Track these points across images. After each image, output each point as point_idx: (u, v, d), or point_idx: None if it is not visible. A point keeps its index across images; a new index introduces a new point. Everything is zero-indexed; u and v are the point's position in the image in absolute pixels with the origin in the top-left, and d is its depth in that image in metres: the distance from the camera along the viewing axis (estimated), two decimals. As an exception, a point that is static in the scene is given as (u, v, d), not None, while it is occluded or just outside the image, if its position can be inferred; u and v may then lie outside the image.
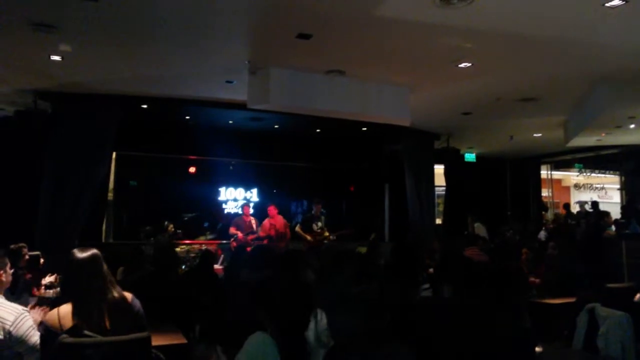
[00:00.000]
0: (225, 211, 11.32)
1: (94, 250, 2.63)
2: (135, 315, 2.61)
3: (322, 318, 1.50)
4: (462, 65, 6.20)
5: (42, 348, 2.44)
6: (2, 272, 2.67)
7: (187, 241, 9.27)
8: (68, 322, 2.42)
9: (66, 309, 2.48)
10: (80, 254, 2.57)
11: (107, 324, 2.47)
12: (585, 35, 5.27)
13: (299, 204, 9.88)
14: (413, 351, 1.41)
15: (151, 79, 7.09)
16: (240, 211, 9.53)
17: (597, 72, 6.57)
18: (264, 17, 4.97)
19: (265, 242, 8.18)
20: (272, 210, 8.71)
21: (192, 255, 7.84)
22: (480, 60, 6.07)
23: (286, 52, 5.91)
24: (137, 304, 2.66)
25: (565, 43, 5.49)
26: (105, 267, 2.62)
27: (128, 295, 2.65)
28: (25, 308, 2.65)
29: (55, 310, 2.50)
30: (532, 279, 5.47)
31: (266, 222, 8.66)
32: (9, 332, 2.47)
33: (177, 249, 8.48)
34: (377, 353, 1.34)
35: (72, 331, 2.35)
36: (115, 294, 2.57)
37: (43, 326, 2.45)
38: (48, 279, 4.89)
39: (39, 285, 4.80)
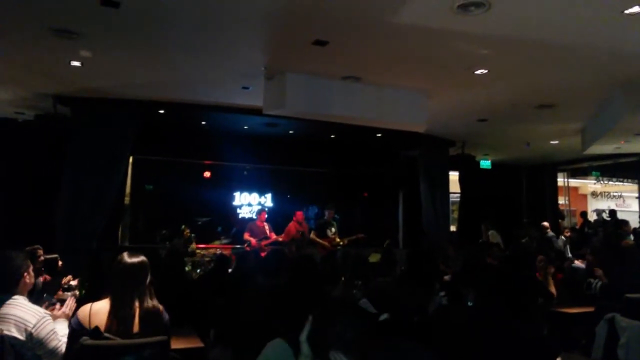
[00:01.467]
0: (240, 216, 11.38)
1: (143, 258, 2.69)
2: (164, 326, 2.66)
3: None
4: (479, 71, 6.18)
5: (70, 341, 2.49)
6: (26, 273, 2.71)
7: (201, 245, 9.33)
8: (97, 320, 2.48)
9: (99, 306, 2.55)
10: (130, 259, 2.64)
11: (137, 329, 2.52)
12: (604, 42, 5.22)
13: (312, 210, 9.93)
14: (431, 352, 1.41)
15: (168, 84, 7.17)
16: (255, 216, 9.60)
17: (616, 78, 6.49)
18: (281, 24, 5.00)
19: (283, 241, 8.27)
20: (300, 215, 8.83)
21: (207, 259, 7.88)
22: (496, 66, 6.04)
23: (302, 58, 5.94)
24: (167, 317, 2.71)
25: (583, 50, 5.44)
26: (149, 276, 2.68)
27: (158, 305, 2.70)
28: (47, 311, 2.69)
29: (87, 306, 2.56)
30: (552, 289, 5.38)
31: (292, 226, 8.72)
32: (30, 334, 2.51)
33: (194, 251, 8.54)
34: (397, 350, 1.35)
35: (92, 333, 2.39)
36: (151, 304, 2.63)
37: (74, 320, 2.52)
38: (66, 281, 4.96)
39: (56, 288, 4.86)
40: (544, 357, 2.21)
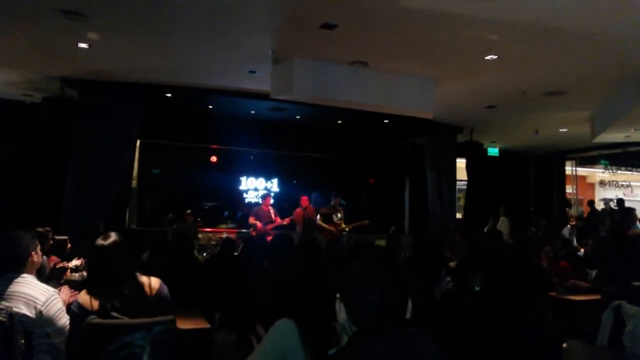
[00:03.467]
0: (246, 200, 11.42)
1: (115, 238, 2.64)
2: (160, 301, 2.65)
3: (340, 310, 1.52)
4: (488, 57, 6.11)
5: (73, 325, 2.51)
6: (33, 252, 2.74)
7: (208, 229, 9.39)
8: (97, 302, 2.48)
9: None
10: (102, 241, 2.61)
11: (127, 307, 2.51)
12: (615, 29, 5.13)
13: (316, 195, 9.99)
14: (433, 337, 1.41)
15: (176, 68, 7.16)
16: (260, 201, 9.70)
17: (627, 66, 6.40)
18: (288, 7, 4.96)
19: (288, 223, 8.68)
20: (305, 200, 9.05)
21: (213, 243, 7.93)
22: (506, 52, 5.97)
23: (310, 42, 5.90)
24: (165, 290, 2.70)
25: (595, 37, 5.36)
26: (126, 254, 2.65)
27: (156, 281, 2.69)
28: (55, 290, 2.72)
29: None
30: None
31: (299, 210, 8.99)
32: (40, 312, 2.54)
33: (199, 236, 8.61)
34: (398, 336, 1.35)
35: (100, 312, 2.41)
36: (136, 281, 2.61)
37: (76, 304, 2.52)
38: (74, 263, 5.00)
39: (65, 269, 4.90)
40: (550, 342, 2.21)
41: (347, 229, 8.87)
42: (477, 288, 2.35)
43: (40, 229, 4.93)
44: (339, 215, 8.96)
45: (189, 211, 9.23)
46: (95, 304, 2.47)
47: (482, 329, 2.13)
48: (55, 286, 2.98)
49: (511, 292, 2.25)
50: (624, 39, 5.39)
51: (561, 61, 6.29)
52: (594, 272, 5.33)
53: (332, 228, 8.72)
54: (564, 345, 2.69)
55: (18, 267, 2.64)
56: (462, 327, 2.19)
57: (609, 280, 4.89)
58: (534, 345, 2.11)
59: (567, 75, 6.85)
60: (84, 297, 2.52)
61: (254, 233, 8.41)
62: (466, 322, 2.19)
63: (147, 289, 2.63)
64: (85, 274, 4.77)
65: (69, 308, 2.62)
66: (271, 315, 2.26)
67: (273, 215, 8.80)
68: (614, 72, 6.68)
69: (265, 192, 10.35)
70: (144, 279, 2.66)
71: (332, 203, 9.10)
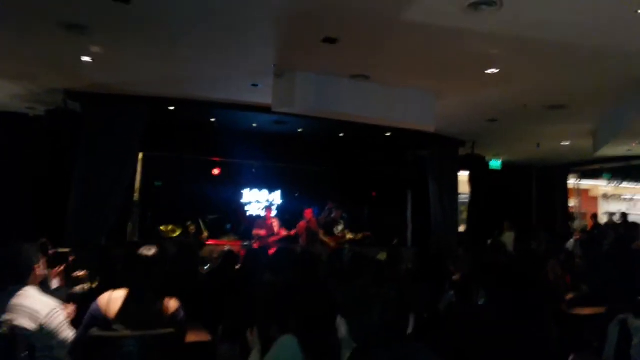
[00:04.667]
0: (248, 213, 11.41)
1: (155, 251, 2.79)
2: (174, 322, 2.70)
3: (341, 325, 1.51)
4: (490, 71, 6.13)
5: (86, 325, 2.54)
6: (37, 265, 2.73)
7: (210, 242, 9.36)
8: (115, 307, 2.56)
9: (118, 295, 2.62)
10: (146, 252, 2.75)
11: (150, 321, 2.60)
12: (617, 42, 5.15)
13: (315, 209, 10.02)
14: (433, 352, 1.40)
15: (178, 81, 7.19)
16: (263, 214, 9.75)
17: (629, 80, 6.41)
18: (290, 21, 4.99)
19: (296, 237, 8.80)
20: (309, 213, 9.12)
21: (215, 256, 7.90)
22: (507, 66, 5.99)
23: (312, 55, 5.93)
24: (181, 314, 2.77)
25: (596, 50, 5.38)
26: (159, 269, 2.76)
27: (174, 303, 2.76)
28: (57, 303, 2.70)
29: (108, 294, 2.63)
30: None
31: (303, 223, 9.05)
32: (41, 325, 2.53)
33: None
34: (400, 352, 1.33)
35: (102, 324, 2.41)
36: (167, 300, 2.72)
37: (94, 306, 2.59)
38: (77, 274, 4.98)
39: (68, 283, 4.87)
40: (554, 356, 2.19)
41: (351, 237, 8.91)
42: (480, 302, 2.34)
43: (44, 240, 4.93)
44: (340, 227, 8.97)
45: (189, 223, 9.24)
46: (113, 307, 2.53)
47: (485, 342, 2.11)
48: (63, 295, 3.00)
49: (513, 305, 2.23)
50: (626, 52, 5.41)
51: (563, 75, 6.31)
52: (585, 287, 5.30)
53: (331, 241, 8.74)
54: (570, 358, 2.67)
55: (21, 279, 2.64)
56: (464, 339, 2.17)
57: (608, 293, 4.87)
58: (535, 358, 2.09)
59: (569, 88, 6.87)
60: (103, 300, 2.59)
61: (256, 245, 8.41)
62: (469, 335, 2.17)
63: (165, 308, 2.67)
64: (85, 287, 4.74)
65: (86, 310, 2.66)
66: (271, 328, 2.24)
67: (276, 228, 8.80)
68: (616, 86, 6.69)
69: (267, 204, 10.37)
70: (165, 298, 2.72)
71: (332, 215, 9.11)
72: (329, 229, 8.94)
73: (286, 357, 2.00)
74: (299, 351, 2.01)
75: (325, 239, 8.76)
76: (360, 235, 9.10)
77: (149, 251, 2.74)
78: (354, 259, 4.34)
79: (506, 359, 2.06)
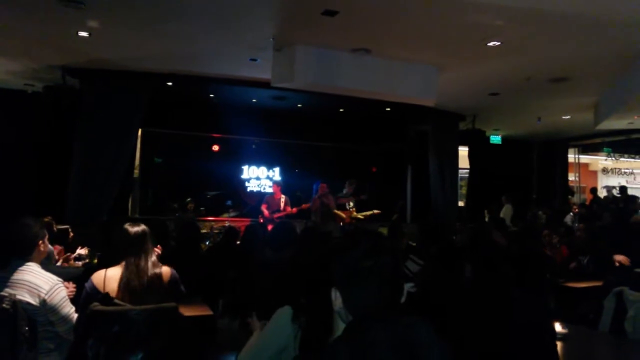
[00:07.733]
0: (248, 189, 11.42)
1: (143, 227, 2.85)
2: (172, 286, 2.80)
3: (336, 297, 1.50)
4: (492, 43, 6.06)
5: (83, 305, 2.58)
6: (41, 242, 2.75)
7: (211, 218, 9.39)
8: (111, 284, 2.61)
9: (113, 272, 2.67)
10: (132, 229, 2.79)
11: (145, 293, 2.66)
12: (620, 13, 5.08)
13: (316, 184, 9.82)
14: (431, 325, 1.40)
15: (177, 56, 7.12)
16: (271, 190, 9.59)
17: (632, 51, 6.34)
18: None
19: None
20: (324, 188, 8.49)
21: (216, 232, 7.95)
22: (510, 38, 5.92)
23: (311, 29, 5.85)
24: (175, 274, 2.85)
25: (599, 21, 5.31)
26: (150, 244, 2.82)
27: (167, 270, 2.81)
28: (59, 279, 2.73)
29: (102, 272, 2.67)
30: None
31: (317, 199, 8.47)
32: (44, 300, 2.55)
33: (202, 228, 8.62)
34: (397, 325, 1.33)
35: (103, 299, 2.44)
36: (155, 270, 2.75)
37: (89, 284, 2.63)
38: (78, 252, 5.03)
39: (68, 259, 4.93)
40: (540, 319, 2.21)
41: (360, 217, 8.84)
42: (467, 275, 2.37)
43: (46, 219, 4.95)
44: (352, 203, 8.90)
45: (188, 199, 9.25)
46: (109, 284, 2.58)
47: (470, 315, 2.13)
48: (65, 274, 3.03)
49: (499, 278, 2.25)
50: (629, 24, 5.34)
51: (565, 47, 6.23)
52: (585, 259, 5.33)
53: (344, 215, 8.67)
54: (564, 330, 2.71)
55: (24, 254, 2.65)
56: (451, 312, 2.20)
57: (607, 266, 4.92)
58: (519, 331, 2.12)
59: (571, 61, 6.80)
60: (98, 277, 2.63)
61: (261, 220, 8.40)
62: (455, 308, 2.20)
63: (162, 276, 2.76)
64: (87, 262, 4.79)
65: (83, 287, 2.71)
66: (270, 304, 2.27)
67: (283, 204, 8.70)
68: (619, 58, 6.62)
69: (275, 181, 10.14)
70: (158, 268, 2.78)
71: (345, 191, 8.95)
72: (341, 204, 8.82)
73: (279, 326, 2.03)
74: (288, 321, 2.04)
75: (338, 213, 8.63)
76: (369, 213, 8.99)
77: (133, 227, 2.80)
78: (351, 232, 4.35)
79: (489, 330, 2.09)
